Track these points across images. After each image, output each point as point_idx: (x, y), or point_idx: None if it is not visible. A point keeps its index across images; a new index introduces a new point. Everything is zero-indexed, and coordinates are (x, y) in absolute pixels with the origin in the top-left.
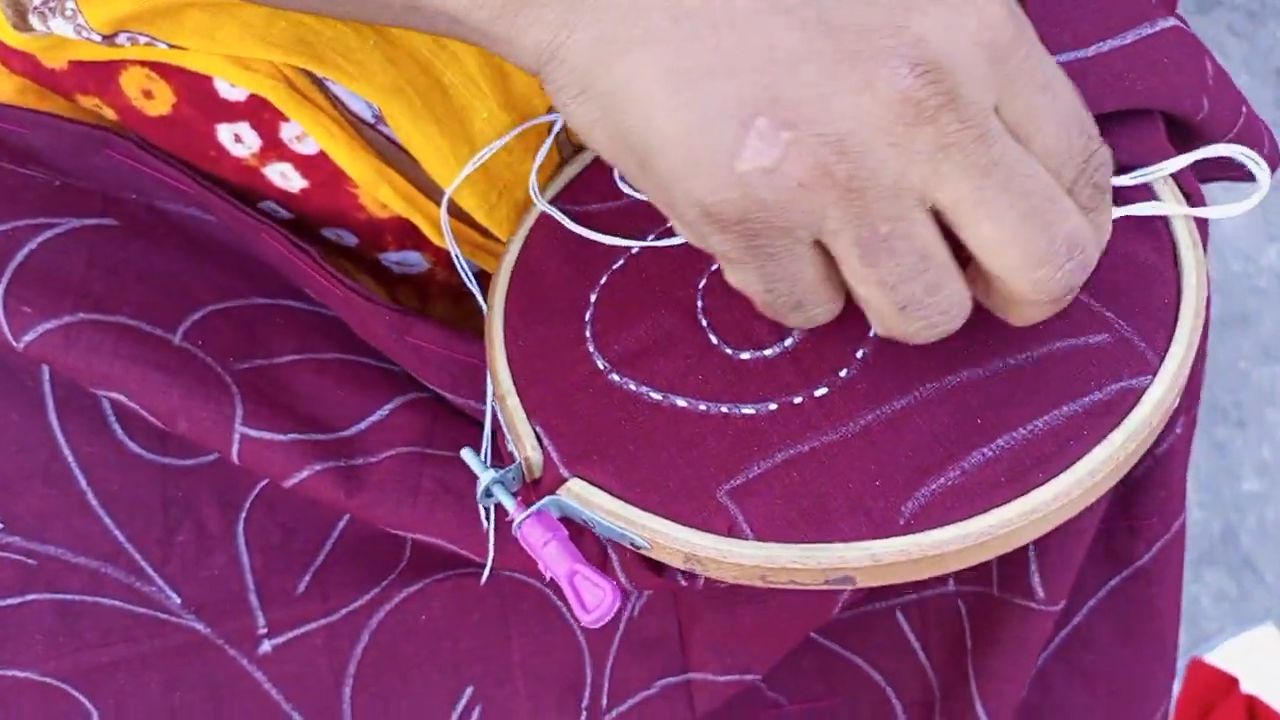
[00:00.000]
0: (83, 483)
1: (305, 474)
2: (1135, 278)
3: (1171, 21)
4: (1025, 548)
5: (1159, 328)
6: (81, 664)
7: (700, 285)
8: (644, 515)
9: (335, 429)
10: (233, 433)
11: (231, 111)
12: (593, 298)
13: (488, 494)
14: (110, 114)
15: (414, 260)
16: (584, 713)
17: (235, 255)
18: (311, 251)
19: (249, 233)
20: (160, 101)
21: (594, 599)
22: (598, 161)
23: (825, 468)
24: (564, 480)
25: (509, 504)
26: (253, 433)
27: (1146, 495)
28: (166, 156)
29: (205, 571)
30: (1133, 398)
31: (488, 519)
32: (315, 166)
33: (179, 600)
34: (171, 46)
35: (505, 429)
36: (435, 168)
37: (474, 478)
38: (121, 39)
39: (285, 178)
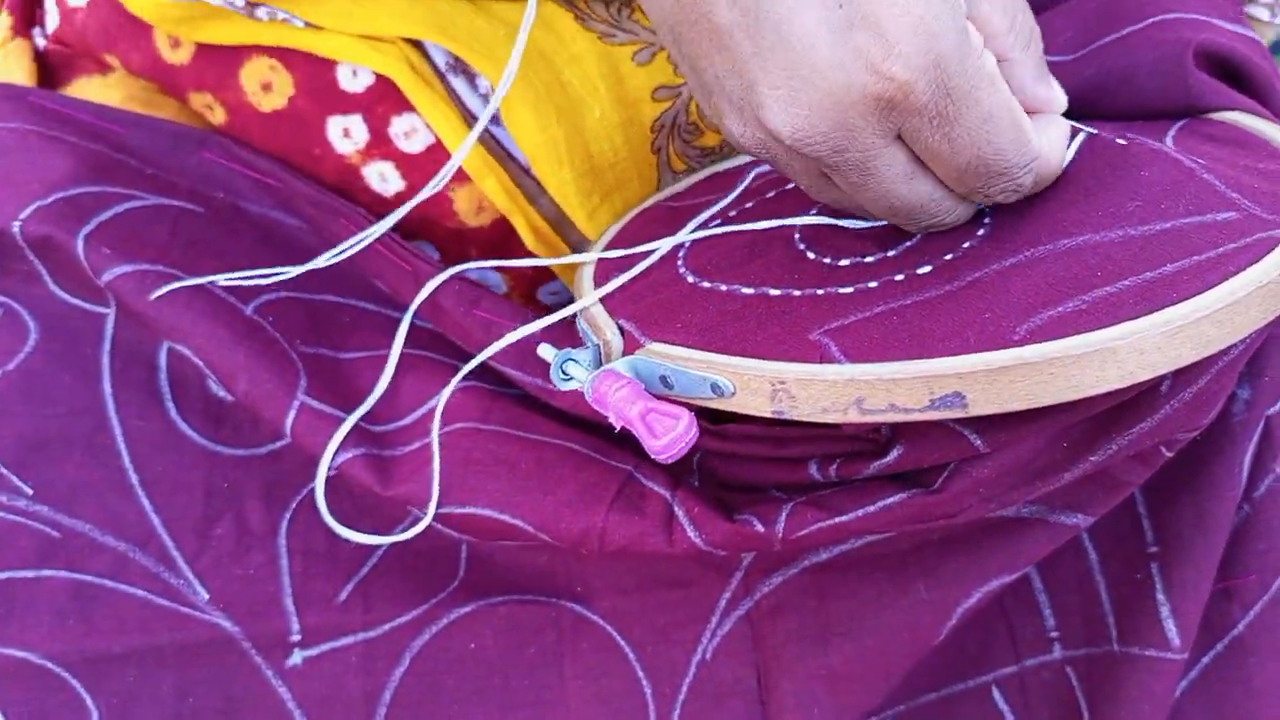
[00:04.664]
0: (125, 459)
1: (350, 455)
2: (1264, 179)
3: None
4: (1152, 589)
5: None
6: (88, 651)
7: (799, 225)
8: (727, 357)
9: (386, 421)
10: (293, 399)
11: (347, 103)
12: (687, 243)
13: (564, 375)
14: (219, 115)
15: (493, 281)
16: None
17: (311, 256)
18: (386, 230)
19: (328, 222)
20: (277, 94)
21: (665, 427)
22: (703, 180)
23: (929, 310)
24: (641, 346)
25: (582, 375)
26: (314, 403)
27: (1243, 549)
28: (260, 153)
29: (240, 570)
30: (1272, 243)
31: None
32: (416, 167)
33: (207, 596)
34: (308, 25)
35: (587, 332)
36: (543, 160)
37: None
38: (261, 13)
39: (384, 179)
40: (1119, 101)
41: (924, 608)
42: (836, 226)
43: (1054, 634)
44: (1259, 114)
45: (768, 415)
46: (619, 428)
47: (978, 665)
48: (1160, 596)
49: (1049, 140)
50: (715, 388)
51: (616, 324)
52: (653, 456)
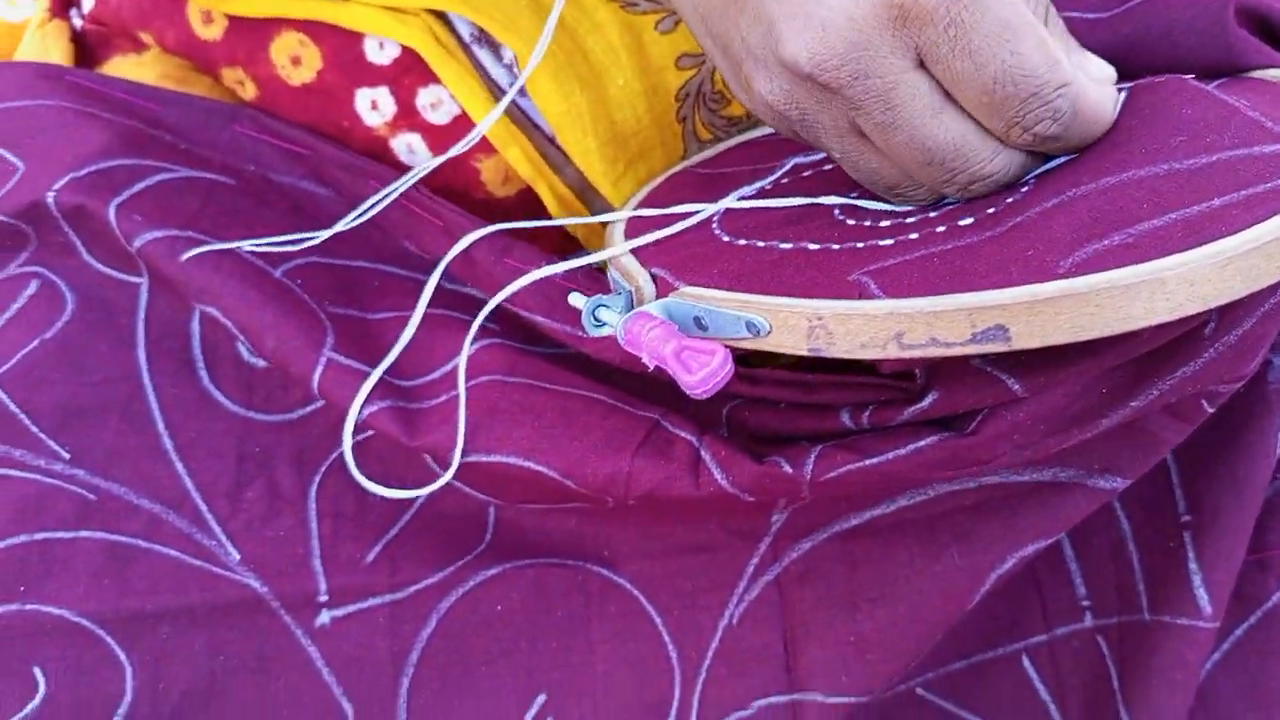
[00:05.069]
0: (160, 425)
1: (377, 406)
2: None
3: None
4: (1185, 558)
5: None
6: (123, 610)
7: (838, 203)
8: (763, 296)
9: (413, 376)
10: (320, 356)
11: (375, 75)
12: (720, 212)
13: (595, 321)
14: (250, 90)
15: None
16: None
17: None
18: (416, 184)
19: (359, 186)
20: (306, 68)
21: (700, 363)
22: (733, 148)
23: (971, 252)
24: (675, 290)
25: (614, 319)
26: (341, 359)
27: (1278, 520)
28: (291, 124)
29: (270, 531)
30: None
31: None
32: (443, 138)
33: (238, 557)
34: None
35: (618, 281)
36: (568, 129)
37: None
38: None
39: (411, 151)
40: (1157, 60)
41: (957, 573)
42: (877, 199)
43: (1085, 603)
44: None
45: (804, 354)
46: (652, 367)
47: (1008, 633)
48: (1193, 565)
49: (1097, 94)
50: (750, 326)
51: (648, 272)
52: (688, 393)
